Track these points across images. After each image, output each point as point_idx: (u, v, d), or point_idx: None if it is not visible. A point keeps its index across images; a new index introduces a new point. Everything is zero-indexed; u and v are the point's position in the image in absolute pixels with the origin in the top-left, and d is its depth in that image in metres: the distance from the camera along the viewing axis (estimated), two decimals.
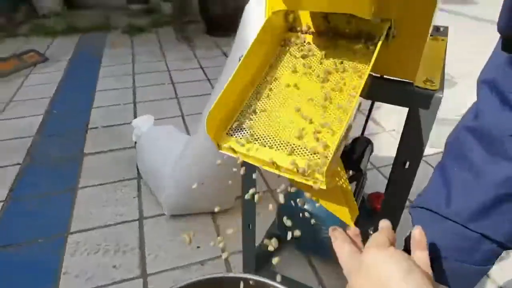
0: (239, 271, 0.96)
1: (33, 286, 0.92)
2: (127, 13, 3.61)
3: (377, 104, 1.81)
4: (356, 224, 0.79)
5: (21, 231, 1.09)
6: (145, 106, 1.84)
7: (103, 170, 1.36)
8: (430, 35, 0.68)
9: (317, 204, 0.40)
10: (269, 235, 1.02)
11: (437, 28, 0.72)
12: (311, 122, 0.38)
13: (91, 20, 3.32)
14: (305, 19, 0.48)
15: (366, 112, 0.87)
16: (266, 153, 0.37)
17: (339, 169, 0.39)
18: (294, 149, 0.36)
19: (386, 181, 0.61)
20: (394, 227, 0.64)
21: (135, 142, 1.44)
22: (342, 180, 0.39)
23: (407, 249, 0.37)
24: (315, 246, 0.88)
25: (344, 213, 0.40)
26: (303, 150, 0.36)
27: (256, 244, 0.90)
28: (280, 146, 0.37)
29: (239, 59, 0.58)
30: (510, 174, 0.34)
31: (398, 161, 0.52)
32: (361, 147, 0.84)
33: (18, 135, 1.58)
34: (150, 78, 2.18)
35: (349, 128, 0.37)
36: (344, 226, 0.42)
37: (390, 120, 1.65)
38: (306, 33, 0.48)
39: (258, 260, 0.92)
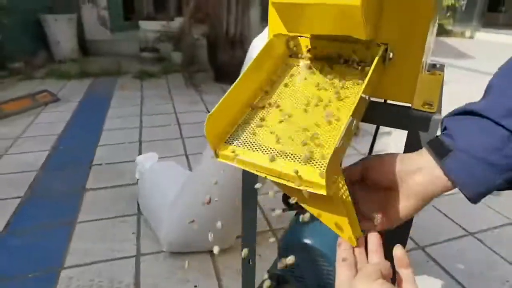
0: None
1: None
2: (138, 61, 3.79)
3: (386, 128, 1.81)
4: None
5: (14, 264, 1.05)
6: (150, 145, 1.86)
7: (104, 206, 1.34)
8: (428, 71, 0.71)
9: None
10: (270, 275, 0.98)
11: (433, 65, 0.75)
12: (307, 134, 0.38)
13: (104, 65, 3.48)
14: (305, 45, 0.50)
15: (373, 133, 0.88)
16: (263, 159, 0.36)
17: (339, 180, 0.38)
18: (293, 157, 0.36)
19: None
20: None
21: (138, 179, 1.44)
22: (343, 192, 0.38)
23: None
24: (318, 285, 0.84)
25: (346, 232, 0.39)
26: (301, 157, 0.36)
27: (256, 285, 0.86)
28: (278, 154, 0.37)
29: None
30: None
31: None
32: None
33: (22, 170, 1.58)
34: (157, 119, 2.23)
35: (345, 144, 0.37)
36: None
37: (398, 146, 1.65)
38: (305, 58, 0.50)
39: None
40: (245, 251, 0.64)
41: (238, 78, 0.43)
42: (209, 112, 1.81)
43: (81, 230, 1.21)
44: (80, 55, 3.84)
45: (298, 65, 0.49)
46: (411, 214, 0.40)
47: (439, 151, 0.37)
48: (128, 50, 4.02)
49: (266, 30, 0.89)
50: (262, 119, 0.42)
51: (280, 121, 0.41)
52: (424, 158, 0.38)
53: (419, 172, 0.38)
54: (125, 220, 1.27)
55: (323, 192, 0.33)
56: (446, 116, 0.40)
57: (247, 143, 0.40)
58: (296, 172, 0.34)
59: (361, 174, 0.42)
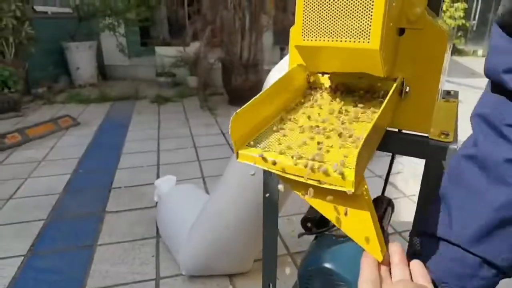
0: None
1: None
2: (155, 85, 3.91)
3: (395, 169, 1.81)
4: None
5: (40, 286, 1.08)
6: (167, 168, 1.90)
7: (123, 229, 1.37)
8: (442, 98, 0.73)
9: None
10: None
11: (447, 92, 0.77)
12: (328, 143, 0.40)
13: (122, 90, 3.60)
14: (325, 79, 0.53)
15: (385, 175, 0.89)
16: (287, 159, 0.37)
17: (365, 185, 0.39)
18: (315, 158, 0.37)
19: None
20: None
21: (156, 202, 1.47)
22: (368, 199, 0.39)
23: None
24: None
25: (372, 246, 0.39)
26: (324, 158, 0.36)
27: None
28: (300, 156, 0.38)
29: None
30: (509, 199, 0.35)
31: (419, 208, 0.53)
32: (382, 206, 0.84)
33: (45, 192, 1.64)
34: (174, 142, 2.28)
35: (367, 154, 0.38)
36: None
37: (409, 185, 1.64)
38: (324, 90, 0.53)
39: None
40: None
41: (259, 94, 0.44)
42: (223, 134, 1.87)
43: (101, 253, 1.23)
44: (99, 80, 3.98)
45: (316, 95, 0.52)
46: None
47: None
48: (145, 75, 4.16)
49: (283, 60, 0.93)
50: (284, 132, 0.43)
51: (301, 133, 0.42)
52: None
53: None
54: (144, 243, 1.29)
55: (351, 188, 0.33)
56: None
57: (270, 147, 0.40)
58: (323, 169, 0.34)
59: None
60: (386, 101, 0.43)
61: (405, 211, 1.43)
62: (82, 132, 2.46)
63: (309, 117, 0.46)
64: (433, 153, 0.50)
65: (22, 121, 2.66)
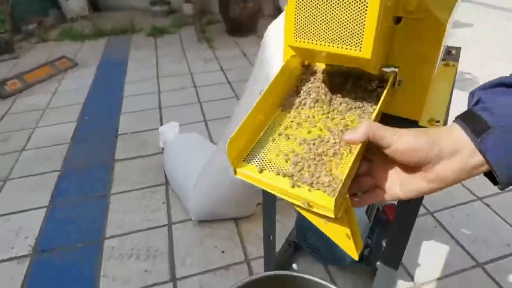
0: None
1: (76, 286, 1.02)
2: (150, 14, 3.70)
3: None
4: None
5: (63, 236, 1.19)
6: (169, 111, 1.92)
7: (133, 177, 1.45)
8: (442, 60, 0.71)
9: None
10: (288, 243, 1.08)
11: (448, 51, 0.75)
12: (323, 154, 0.42)
13: (117, 22, 3.43)
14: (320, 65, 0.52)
15: None
16: (277, 181, 0.41)
17: (346, 198, 0.43)
18: (305, 180, 0.41)
19: None
20: (406, 238, 0.69)
21: (163, 148, 1.53)
22: (349, 209, 0.43)
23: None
24: (332, 256, 0.93)
25: (349, 246, 0.45)
26: (313, 180, 0.40)
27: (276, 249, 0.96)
28: (291, 175, 0.41)
29: (260, 93, 0.63)
30: None
31: None
32: None
33: (55, 142, 1.70)
34: (174, 81, 2.26)
35: (357, 161, 0.41)
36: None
37: None
38: (319, 73, 0.53)
39: (278, 267, 0.98)
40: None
41: (257, 101, 0.46)
42: (223, 71, 1.86)
43: (115, 202, 1.33)
44: (91, 11, 3.77)
45: (311, 84, 0.52)
46: (428, 194, 0.38)
47: (476, 127, 0.34)
48: (138, 4, 3.91)
49: (281, 16, 0.88)
50: (277, 140, 0.45)
51: (294, 142, 0.45)
52: (458, 139, 0.35)
53: (453, 158, 0.35)
54: (154, 191, 1.38)
55: (332, 215, 0.38)
56: (481, 89, 0.37)
57: (263, 160, 0.44)
58: (306, 198, 0.39)
59: (384, 152, 0.38)
60: (381, 100, 0.44)
61: None
62: (81, 74, 2.43)
63: (301, 121, 0.47)
64: None
65: (18, 64, 2.62)
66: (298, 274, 0.64)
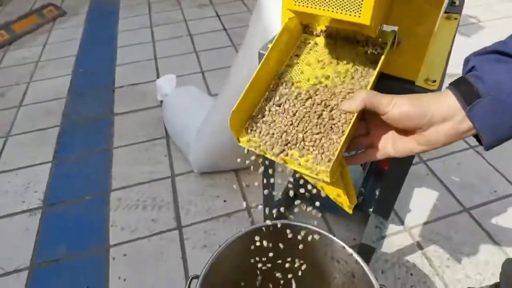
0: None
1: (87, 237, 1.09)
2: None
3: None
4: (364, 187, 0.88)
5: (70, 189, 1.25)
6: (165, 62, 1.89)
7: (134, 130, 1.47)
8: (445, 12, 0.70)
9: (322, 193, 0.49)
10: (286, 192, 1.14)
11: (452, 1, 0.73)
12: (320, 119, 0.44)
13: None
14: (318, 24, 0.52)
15: None
16: (277, 147, 0.43)
17: (343, 163, 0.46)
18: (303, 146, 0.43)
19: None
20: (398, 188, 0.73)
21: (161, 101, 1.53)
22: (344, 169, 0.46)
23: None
24: (328, 203, 0.99)
25: (344, 201, 0.48)
26: (311, 147, 0.43)
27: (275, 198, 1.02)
28: (289, 142, 0.44)
29: (258, 55, 0.63)
30: None
31: None
32: None
33: (52, 97, 1.69)
34: (168, 30, 2.19)
35: (354, 127, 0.43)
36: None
37: None
38: (318, 35, 0.53)
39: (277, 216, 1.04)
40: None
41: (257, 68, 0.47)
42: (219, 17, 1.81)
43: (118, 156, 1.37)
44: None
45: (310, 45, 0.52)
46: (418, 153, 0.43)
47: (467, 95, 0.35)
48: None
49: None
50: (278, 106, 0.47)
51: (294, 107, 0.46)
52: (450, 107, 0.36)
53: (444, 124, 0.37)
54: (155, 144, 1.41)
55: (327, 180, 0.41)
56: (475, 55, 0.38)
57: (264, 128, 0.46)
58: (304, 160, 0.42)
59: (380, 118, 0.41)
60: (380, 63, 0.44)
61: None
62: (71, 24, 2.34)
63: (304, 77, 0.48)
64: None
65: (3, 12, 2.50)
66: (296, 223, 0.69)
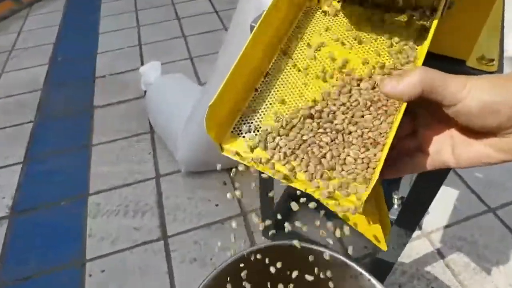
0: (259, 231, 0.96)
1: (61, 250, 0.96)
2: None
3: None
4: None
5: (44, 192, 1.10)
6: (151, 48, 1.73)
7: (116, 125, 1.32)
8: None
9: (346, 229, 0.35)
10: (285, 196, 1.00)
11: None
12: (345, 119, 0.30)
13: None
14: None
15: None
16: (277, 165, 0.30)
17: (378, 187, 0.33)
18: (319, 163, 0.30)
19: None
20: (434, 194, 0.59)
21: (145, 91, 1.38)
22: (379, 197, 0.33)
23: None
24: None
25: (376, 231, 0.35)
26: (331, 163, 0.29)
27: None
28: (297, 157, 0.30)
29: (250, 29, 0.48)
30: None
31: None
32: None
33: (27, 89, 1.53)
34: (154, 13, 2.01)
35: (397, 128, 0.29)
36: None
37: None
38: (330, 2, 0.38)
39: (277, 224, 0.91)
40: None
41: (245, 45, 0.33)
42: None
43: (98, 153, 1.22)
44: None
45: (321, 11, 0.37)
46: (492, 165, 0.28)
47: None
48: None
49: None
50: (276, 99, 0.33)
51: (299, 100, 0.32)
52: None
53: None
54: (139, 140, 1.26)
55: (359, 211, 0.27)
56: None
57: (256, 134, 0.32)
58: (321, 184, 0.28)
59: (438, 111, 0.27)
60: (431, 33, 0.30)
61: None
62: (49, 9, 2.15)
63: (307, 67, 0.34)
64: None
65: None
66: (302, 244, 0.56)
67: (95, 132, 1.31)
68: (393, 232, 0.65)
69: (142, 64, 1.61)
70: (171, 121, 1.15)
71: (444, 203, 0.98)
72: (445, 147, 0.29)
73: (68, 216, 1.04)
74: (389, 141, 0.26)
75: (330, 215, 0.41)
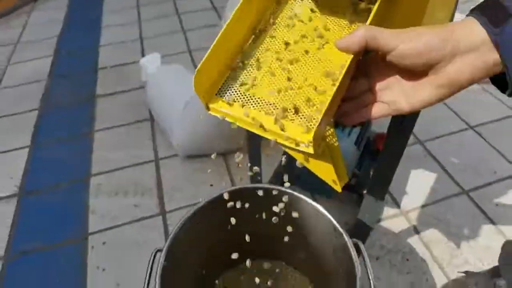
0: None
1: (65, 226, 1.03)
2: None
3: None
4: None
5: (48, 175, 1.18)
6: (152, 42, 1.80)
7: (116, 113, 1.40)
8: None
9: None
10: (276, 175, 1.07)
11: None
12: (304, 82, 0.37)
13: None
14: None
15: None
16: (254, 115, 0.37)
17: (330, 132, 0.39)
18: (283, 112, 0.36)
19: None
20: (394, 168, 0.67)
21: (145, 82, 1.45)
22: (332, 141, 0.40)
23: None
24: (319, 186, 0.93)
25: (333, 180, 0.42)
26: (291, 114, 0.36)
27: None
28: (269, 108, 0.37)
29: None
30: None
31: None
32: None
33: (32, 79, 1.60)
34: (155, 9, 2.09)
35: (340, 92, 0.36)
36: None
37: None
38: None
39: None
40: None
41: (227, 22, 0.40)
42: None
43: (100, 139, 1.29)
44: None
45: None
46: (436, 102, 0.34)
47: (495, 17, 0.29)
48: None
49: None
50: (255, 67, 0.40)
51: (274, 68, 0.39)
52: (474, 35, 0.29)
53: (469, 55, 0.30)
54: (139, 127, 1.34)
55: (310, 151, 0.34)
56: None
57: (238, 93, 0.39)
58: (284, 132, 0.35)
59: (383, 59, 0.34)
60: (370, 18, 0.37)
61: None
62: (53, 4, 2.23)
63: (283, 43, 0.41)
64: None
65: None
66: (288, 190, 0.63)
67: (97, 120, 1.38)
68: (367, 199, 0.72)
69: (143, 56, 1.68)
70: (170, 109, 1.22)
71: (421, 184, 1.05)
72: (399, 97, 0.36)
73: (72, 196, 1.11)
74: (337, 83, 0.33)
75: None
